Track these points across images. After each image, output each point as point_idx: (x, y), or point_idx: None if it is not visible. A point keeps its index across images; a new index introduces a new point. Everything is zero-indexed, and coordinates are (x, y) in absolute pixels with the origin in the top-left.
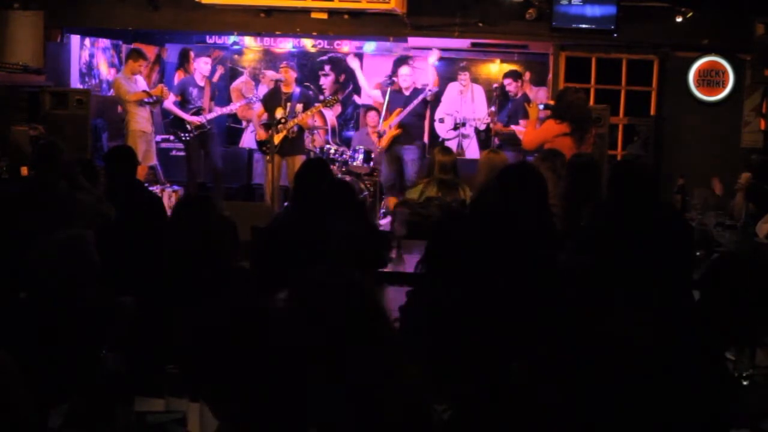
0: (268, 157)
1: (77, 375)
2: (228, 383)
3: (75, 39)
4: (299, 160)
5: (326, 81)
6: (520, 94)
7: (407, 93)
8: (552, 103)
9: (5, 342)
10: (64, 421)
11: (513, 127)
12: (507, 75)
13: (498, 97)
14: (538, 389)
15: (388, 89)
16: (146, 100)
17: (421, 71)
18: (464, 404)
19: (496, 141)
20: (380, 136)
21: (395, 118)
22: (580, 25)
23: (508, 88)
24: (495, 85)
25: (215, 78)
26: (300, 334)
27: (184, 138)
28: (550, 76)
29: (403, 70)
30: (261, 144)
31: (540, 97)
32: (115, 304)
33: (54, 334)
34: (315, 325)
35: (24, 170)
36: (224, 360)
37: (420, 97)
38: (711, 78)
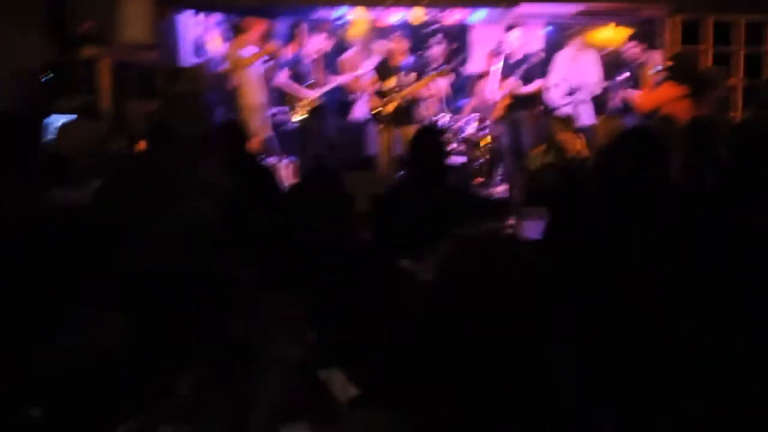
0: (381, 127)
1: (202, 344)
2: (363, 352)
3: (187, 15)
4: (412, 129)
5: (437, 50)
6: (641, 59)
7: (518, 57)
8: (667, 65)
9: (131, 313)
10: (193, 387)
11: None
12: (632, 37)
13: (611, 61)
14: None
15: (501, 56)
16: (264, 58)
17: (530, 38)
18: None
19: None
20: (492, 104)
21: (505, 88)
22: None
23: (630, 52)
24: (608, 50)
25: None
26: (455, 303)
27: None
28: (666, 37)
29: (513, 35)
30: (374, 113)
31: (655, 60)
32: (236, 275)
33: (180, 306)
34: (475, 295)
35: (141, 145)
36: (364, 327)
37: (524, 67)
38: None
